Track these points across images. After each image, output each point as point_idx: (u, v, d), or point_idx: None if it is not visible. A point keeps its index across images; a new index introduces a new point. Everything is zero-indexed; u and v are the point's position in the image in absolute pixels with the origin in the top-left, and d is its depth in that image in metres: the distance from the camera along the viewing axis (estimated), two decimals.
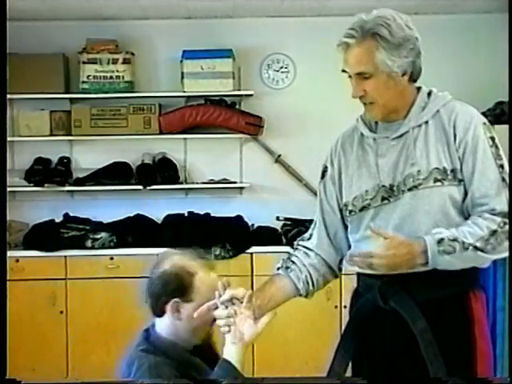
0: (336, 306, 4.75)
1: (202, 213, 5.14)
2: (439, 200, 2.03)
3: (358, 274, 2.22)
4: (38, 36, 5.17)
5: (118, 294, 4.79)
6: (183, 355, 2.13)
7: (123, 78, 5.09)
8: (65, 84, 5.15)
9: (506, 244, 1.99)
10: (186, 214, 5.14)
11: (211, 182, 5.28)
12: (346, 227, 2.24)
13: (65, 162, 5.26)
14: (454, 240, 1.96)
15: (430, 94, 2.14)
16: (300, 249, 2.30)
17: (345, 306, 4.78)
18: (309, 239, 2.30)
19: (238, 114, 5.17)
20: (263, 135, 5.29)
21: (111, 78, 5.08)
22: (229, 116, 5.13)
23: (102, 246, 4.91)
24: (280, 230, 5.11)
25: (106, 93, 5.08)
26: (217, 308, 2.10)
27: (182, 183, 5.27)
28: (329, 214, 2.27)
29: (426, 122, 2.09)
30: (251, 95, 5.25)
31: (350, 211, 2.17)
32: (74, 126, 5.13)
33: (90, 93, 5.09)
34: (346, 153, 2.22)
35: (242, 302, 2.09)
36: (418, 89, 2.15)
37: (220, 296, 2.09)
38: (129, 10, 5.06)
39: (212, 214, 5.09)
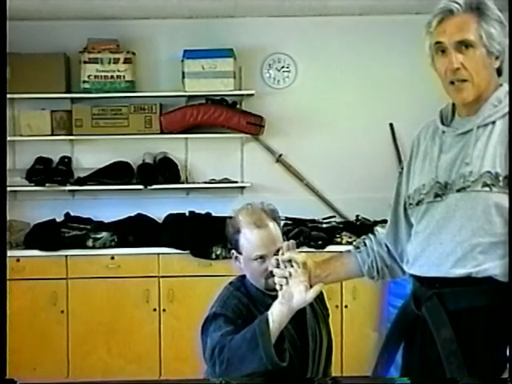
0: (337, 306, 4.73)
1: (203, 212, 5.13)
2: (484, 206, 1.89)
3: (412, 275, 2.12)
4: (39, 35, 5.17)
5: (119, 294, 4.80)
6: (256, 293, 2.40)
7: (124, 77, 5.09)
8: (66, 84, 5.15)
9: None
10: (187, 214, 5.14)
11: (212, 181, 5.28)
12: (407, 221, 2.15)
13: (66, 161, 5.27)
14: None
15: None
16: (376, 234, 2.27)
17: (345, 306, 4.78)
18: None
19: (239, 114, 5.16)
20: (264, 135, 5.29)
21: (112, 77, 5.08)
22: (230, 116, 5.13)
23: (103, 246, 4.90)
24: None
25: (107, 92, 5.09)
26: (278, 266, 2.22)
27: (182, 183, 5.27)
28: (398, 205, 2.19)
29: (494, 123, 1.95)
30: (252, 95, 5.24)
31: (410, 204, 2.09)
32: (75, 125, 5.12)
33: (91, 92, 5.09)
34: (419, 143, 2.13)
35: (299, 267, 2.17)
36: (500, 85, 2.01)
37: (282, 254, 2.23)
38: (130, 10, 5.07)
39: (213, 214, 5.08)
